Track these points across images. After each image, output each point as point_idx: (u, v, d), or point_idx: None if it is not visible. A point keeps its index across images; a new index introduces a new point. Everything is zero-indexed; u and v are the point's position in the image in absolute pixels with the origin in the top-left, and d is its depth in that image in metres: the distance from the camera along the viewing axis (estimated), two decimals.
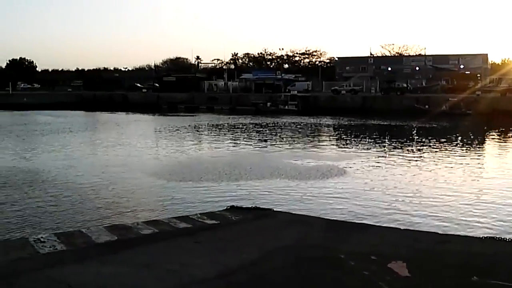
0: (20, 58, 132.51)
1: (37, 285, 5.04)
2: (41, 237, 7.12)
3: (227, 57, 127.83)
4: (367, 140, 31.98)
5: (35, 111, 63.13)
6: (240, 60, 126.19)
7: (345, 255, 6.67)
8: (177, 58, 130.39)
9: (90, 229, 8.18)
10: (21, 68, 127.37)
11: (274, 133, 36.45)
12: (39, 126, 41.66)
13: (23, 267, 5.52)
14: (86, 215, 12.16)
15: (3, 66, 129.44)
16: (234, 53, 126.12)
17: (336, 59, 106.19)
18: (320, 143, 30.61)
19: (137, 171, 19.10)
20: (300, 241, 7.62)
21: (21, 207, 13.00)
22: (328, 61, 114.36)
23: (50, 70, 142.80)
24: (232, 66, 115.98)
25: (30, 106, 70.31)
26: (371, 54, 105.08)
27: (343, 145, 29.78)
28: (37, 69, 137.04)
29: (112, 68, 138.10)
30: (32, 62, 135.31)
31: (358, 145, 28.75)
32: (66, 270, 5.49)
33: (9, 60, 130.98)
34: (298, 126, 42.28)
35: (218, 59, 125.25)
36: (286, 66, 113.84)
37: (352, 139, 32.53)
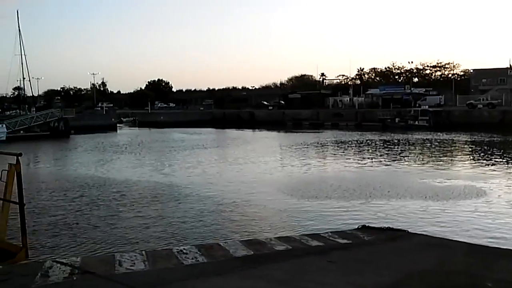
0: (158, 79, 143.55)
1: None
2: (184, 249, 7.45)
3: (352, 73, 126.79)
4: (508, 158, 29.43)
5: (171, 128, 67.66)
6: (366, 75, 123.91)
7: (492, 283, 6.15)
8: (302, 76, 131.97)
9: (227, 242, 8.48)
10: (158, 88, 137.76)
11: (404, 150, 35.09)
12: (175, 143, 44.59)
13: (171, 277, 5.85)
14: (222, 228, 12.73)
15: (143, 87, 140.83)
16: (360, 68, 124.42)
17: (471, 71, 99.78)
18: (455, 161, 28.84)
19: (267, 187, 19.57)
20: (440, 266, 7.18)
21: (167, 220, 13.99)
22: (462, 73, 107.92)
23: (184, 90, 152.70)
24: (358, 82, 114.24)
25: (166, 123, 75.69)
26: (510, 65, 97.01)
27: (481, 163, 27.64)
28: (172, 89, 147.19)
29: (240, 87, 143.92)
30: (168, 83, 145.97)
31: (498, 164, 26.57)
32: (209, 282, 5.72)
33: (148, 82, 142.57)
34: (431, 143, 40.28)
35: (343, 75, 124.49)
36: (415, 79, 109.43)
37: (491, 157, 30.11)
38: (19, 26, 70.06)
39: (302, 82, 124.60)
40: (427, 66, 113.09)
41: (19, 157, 6.17)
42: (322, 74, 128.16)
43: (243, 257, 7.10)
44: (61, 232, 12.72)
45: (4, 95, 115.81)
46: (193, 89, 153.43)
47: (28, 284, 5.10)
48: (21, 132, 55.17)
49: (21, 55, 70.27)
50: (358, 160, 29.70)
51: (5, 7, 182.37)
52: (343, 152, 35.28)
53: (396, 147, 37.62)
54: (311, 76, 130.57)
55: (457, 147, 37.83)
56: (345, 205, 15.71)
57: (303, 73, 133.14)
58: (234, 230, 12.59)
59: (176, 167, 26.94)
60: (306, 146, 39.39)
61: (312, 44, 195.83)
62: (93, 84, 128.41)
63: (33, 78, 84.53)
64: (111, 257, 6.75)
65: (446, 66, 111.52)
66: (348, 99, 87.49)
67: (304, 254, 7.61)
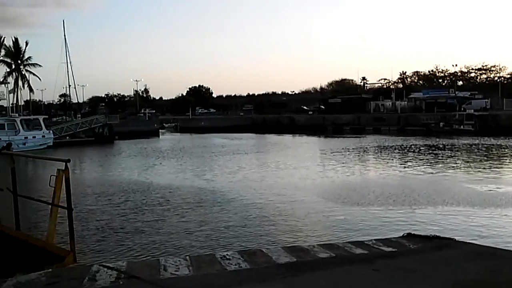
0: (199, 85, 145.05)
1: None
2: (227, 255, 7.44)
3: (394, 76, 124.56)
4: None
5: (211, 133, 68.25)
6: (408, 79, 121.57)
7: None
8: (343, 80, 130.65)
9: (269, 249, 8.45)
10: (199, 94, 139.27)
11: (449, 156, 34.18)
12: (216, 148, 44.96)
13: (215, 282, 5.86)
14: (264, 234, 12.73)
15: (184, 93, 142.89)
16: (402, 71, 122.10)
17: None
18: (504, 167, 27.88)
19: (308, 193, 19.46)
20: (490, 276, 6.91)
21: (210, 225, 14.13)
22: (508, 76, 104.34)
23: (224, 95, 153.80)
24: (400, 85, 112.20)
25: (206, 129, 76.47)
26: None
27: None
28: (212, 95, 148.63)
29: (280, 92, 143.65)
30: (209, 88, 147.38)
31: None
32: None
33: (189, 88, 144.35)
34: (477, 148, 39.12)
35: (385, 79, 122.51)
36: (460, 83, 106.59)
37: None
38: (65, 35, 72.32)
39: (342, 87, 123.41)
40: (472, 69, 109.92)
41: (68, 163, 6.32)
42: (363, 78, 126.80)
43: (286, 264, 7.04)
44: (107, 236, 13.02)
45: (51, 102, 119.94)
46: (233, 94, 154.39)
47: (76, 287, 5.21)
48: (67, 138, 56.87)
49: (67, 63, 72.54)
50: (401, 165, 29.14)
51: (52, 17, 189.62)
52: (386, 157, 34.68)
53: (441, 152, 36.71)
54: (352, 80, 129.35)
55: (505, 152, 36.54)
56: (388, 212, 15.44)
57: (344, 77, 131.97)
58: (276, 236, 12.58)
59: (218, 172, 27.13)
60: (347, 151, 38.96)
61: (353, 48, 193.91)
62: (136, 91, 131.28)
63: (78, 85, 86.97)
64: (156, 262, 6.81)
65: (492, 69, 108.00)
66: (390, 103, 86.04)
67: (348, 262, 7.48)
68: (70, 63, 72.99)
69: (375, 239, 9.84)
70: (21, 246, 6.70)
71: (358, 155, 36.40)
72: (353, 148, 41.48)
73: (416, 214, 14.97)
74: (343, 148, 41.22)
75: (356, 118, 73.14)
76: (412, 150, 38.67)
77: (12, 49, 75.08)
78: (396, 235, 10.32)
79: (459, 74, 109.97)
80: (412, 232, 10.30)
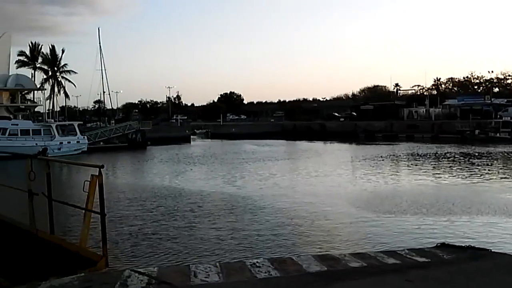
0: (230, 92, 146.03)
1: None
2: (257, 262, 7.39)
3: (428, 83, 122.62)
4: None
5: (242, 140, 68.41)
6: (443, 85, 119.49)
7: None
8: (375, 86, 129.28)
9: (300, 257, 8.37)
10: (230, 101, 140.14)
11: (485, 164, 33.30)
12: (246, 155, 45.03)
13: None
14: (295, 242, 12.68)
15: (215, 100, 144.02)
16: (436, 78, 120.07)
17: None
18: None
19: (340, 200, 19.30)
20: None
21: (240, 232, 14.15)
22: None
23: (255, 102, 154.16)
24: (434, 92, 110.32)
25: (237, 135, 76.65)
26: None
27: None
28: (243, 101, 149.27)
29: (311, 99, 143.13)
30: (240, 95, 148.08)
31: None
32: None
33: (221, 95, 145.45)
34: None
35: (418, 85, 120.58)
36: (496, 90, 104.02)
37: None
38: (99, 43, 73.65)
39: (375, 93, 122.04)
40: (509, 75, 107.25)
41: (101, 169, 6.41)
42: (396, 85, 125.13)
43: (316, 273, 6.94)
44: (139, 241, 13.18)
45: (86, 108, 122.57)
46: (263, 101, 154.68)
47: None
48: (101, 143, 57.95)
49: (101, 70, 73.76)
50: (435, 174, 28.56)
51: (87, 25, 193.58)
52: (420, 165, 34.02)
53: (476, 160, 35.81)
54: (385, 86, 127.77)
55: None
56: (422, 221, 15.16)
57: (376, 84, 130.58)
58: (307, 244, 12.51)
59: (248, 179, 27.16)
60: (380, 159, 38.41)
61: (386, 54, 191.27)
62: (169, 97, 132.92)
63: (112, 91, 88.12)
64: (187, 268, 6.81)
65: None
66: (424, 110, 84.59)
67: (380, 272, 7.34)
68: (105, 70, 74.21)
69: (408, 249, 9.64)
70: (54, 250, 6.82)
71: (391, 163, 35.85)
72: (385, 156, 40.90)
73: (450, 224, 14.65)
74: (375, 156, 40.67)
75: (389, 125, 72.18)
76: (446, 158, 37.87)
77: (49, 57, 77.23)
78: (430, 245, 10.10)
79: (495, 80, 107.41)
80: (446, 242, 10.06)
